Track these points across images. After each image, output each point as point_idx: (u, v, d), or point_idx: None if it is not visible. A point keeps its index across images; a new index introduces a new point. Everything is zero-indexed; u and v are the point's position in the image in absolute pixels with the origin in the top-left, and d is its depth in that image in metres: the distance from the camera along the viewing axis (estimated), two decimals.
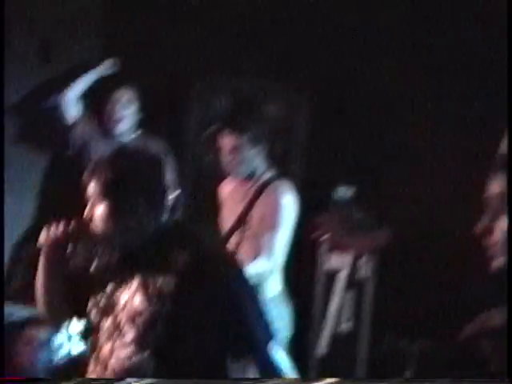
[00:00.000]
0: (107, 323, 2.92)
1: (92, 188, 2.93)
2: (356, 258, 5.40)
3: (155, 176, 2.95)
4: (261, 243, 4.36)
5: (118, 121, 5.42)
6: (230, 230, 4.43)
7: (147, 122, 5.51)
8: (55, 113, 5.49)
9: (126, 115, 5.43)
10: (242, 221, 4.46)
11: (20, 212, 5.74)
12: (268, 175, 4.51)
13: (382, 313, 5.27)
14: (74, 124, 5.45)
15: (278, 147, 5.62)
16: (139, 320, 2.88)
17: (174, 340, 2.86)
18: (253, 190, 4.45)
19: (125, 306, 2.92)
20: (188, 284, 2.83)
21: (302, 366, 5.30)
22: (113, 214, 2.92)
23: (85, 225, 2.95)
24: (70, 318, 3.18)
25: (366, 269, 5.38)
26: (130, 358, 2.89)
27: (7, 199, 5.55)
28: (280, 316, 4.29)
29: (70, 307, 3.12)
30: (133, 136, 5.49)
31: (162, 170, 2.98)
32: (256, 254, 4.32)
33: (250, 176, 4.48)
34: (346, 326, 5.39)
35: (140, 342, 2.87)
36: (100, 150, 5.33)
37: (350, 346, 5.36)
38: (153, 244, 2.91)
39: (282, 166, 5.60)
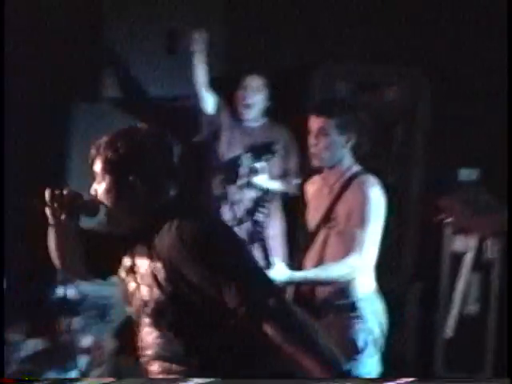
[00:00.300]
0: (130, 309, 3.01)
1: (97, 166, 2.99)
2: (481, 240, 5.35)
3: (158, 157, 2.96)
4: (350, 239, 4.17)
5: (248, 106, 5.55)
6: (317, 227, 4.29)
7: (273, 110, 5.62)
8: (188, 101, 5.64)
9: (256, 101, 5.55)
10: (327, 217, 4.29)
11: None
12: (354, 169, 4.31)
13: (509, 295, 5.20)
14: (210, 111, 5.57)
15: (398, 131, 5.68)
16: (148, 310, 2.94)
17: (187, 319, 2.90)
18: (338, 184, 4.28)
19: (134, 294, 2.99)
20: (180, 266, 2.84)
21: (429, 347, 5.41)
22: (112, 191, 2.96)
23: (92, 199, 2.99)
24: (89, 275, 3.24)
25: (491, 251, 5.34)
26: (153, 343, 2.98)
27: None
28: (374, 314, 4.26)
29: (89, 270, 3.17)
30: (260, 122, 5.63)
31: (166, 151, 2.99)
32: (346, 251, 4.16)
33: (336, 166, 4.29)
34: (472, 309, 5.37)
35: (157, 328, 2.94)
36: (230, 134, 5.54)
37: (477, 328, 5.34)
38: (149, 226, 2.93)
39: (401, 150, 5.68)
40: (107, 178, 2.98)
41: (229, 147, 5.58)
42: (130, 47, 5.57)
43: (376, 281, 4.24)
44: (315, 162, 4.26)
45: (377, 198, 4.16)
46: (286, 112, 5.56)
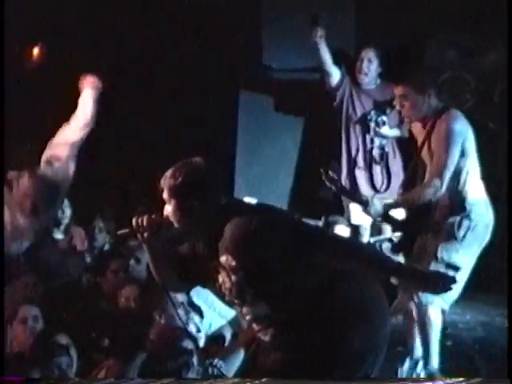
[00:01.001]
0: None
1: (164, 194, 3.49)
2: None
3: (209, 180, 3.50)
4: (435, 165, 4.72)
5: (364, 74, 6.68)
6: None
7: (385, 74, 6.62)
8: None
9: (370, 70, 6.66)
10: (421, 150, 4.86)
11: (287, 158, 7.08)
12: (439, 107, 4.85)
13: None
14: (338, 84, 6.71)
15: (498, 86, 6.47)
16: (233, 293, 3.46)
17: (264, 289, 3.42)
18: (430, 124, 4.85)
19: (222, 287, 3.50)
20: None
21: None
22: (177, 212, 3.47)
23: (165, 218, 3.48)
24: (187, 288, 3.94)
25: None
26: (248, 312, 3.53)
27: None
28: (481, 217, 4.81)
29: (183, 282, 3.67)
30: (375, 85, 6.74)
31: (215, 175, 3.54)
32: (430, 174, 4.73)
33: (425, 114, 4.86)
34: None
35: (245, 304, 3.50)
36: (354, 96, 6.69)
37: None
38: (211, 232, 3.43)
39: None
40: (172, 201, 3.49)
41: (355, 107, 6.75)
42: (282, 29, 6.74)
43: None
44: (407, 119, 5.08)
45: (460, 130, 4.77)
46: (401, 76, 6.12)
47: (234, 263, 3.38)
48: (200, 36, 6.81)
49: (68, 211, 6.62)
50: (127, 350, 4.85)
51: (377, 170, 6.75)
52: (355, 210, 6.45)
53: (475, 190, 4.88)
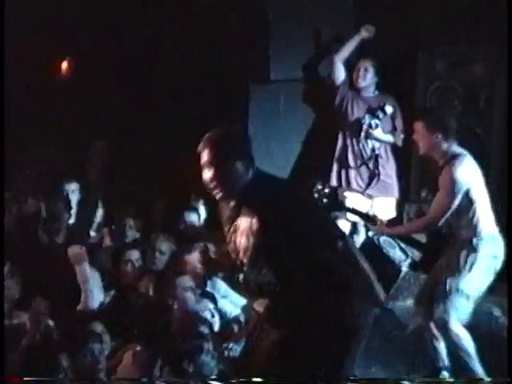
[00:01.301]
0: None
1: (203, 158, 3.60)
2: None
3: (241, 150, 3.62)
4: (434, 206, 4.99)
5: (361, 81, 6.96)
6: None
7: (383, 84, 6.88)
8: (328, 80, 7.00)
9: (366, 78, 6.94)
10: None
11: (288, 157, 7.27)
12: (452, 150, 5.01)
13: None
14: (341, 84, 7.01)
15: (483, 95, 6.72)
16: (244, 257, 3.60)
17: (273, 261, 3.56)
18: (441, 162, 5.02)
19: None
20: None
21: None
22: (215, 177, 3.59)
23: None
24: None
25: None
26: (255, 279, 3.67)
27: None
28: (490, 252, 4.98)
29: None
30: (374, 94, 7.04)
31: (246, 145, 3.68)
32: (429, 214, 5.02)
33: (438, 149, 5.00)
34: None
35: (255, 268, 3.62)
36: (353, 102, 6.98)
37: None
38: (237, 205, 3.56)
39: None
40: (212, 165, 3.61)
41: (352, 110, 7.06)
42: (288, 43, 6.93)
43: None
44: (423, 153, 5.26)
45: (461, 178, 4.91)
46: (396, 85, 6.79)
47: (256, 226, 3.50)
48: (200, 36, 6.81)
49: (100, 211, 7.12)
50: (153, 337, 5.20)
51: (366, 169, 6.99)
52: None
53: (485, 225, 5.07)
